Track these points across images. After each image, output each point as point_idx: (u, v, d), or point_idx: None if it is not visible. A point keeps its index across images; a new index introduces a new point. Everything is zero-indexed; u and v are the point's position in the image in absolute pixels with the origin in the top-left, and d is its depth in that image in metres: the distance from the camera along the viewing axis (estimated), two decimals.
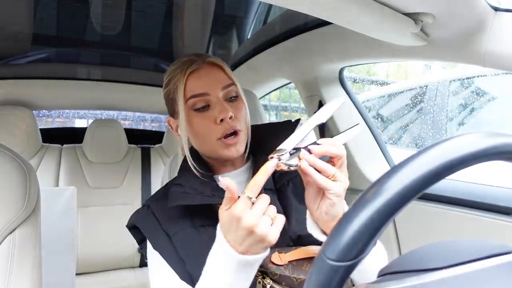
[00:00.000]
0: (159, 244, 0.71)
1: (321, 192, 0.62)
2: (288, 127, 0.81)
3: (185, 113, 0.73)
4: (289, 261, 0.66)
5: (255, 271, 0.60)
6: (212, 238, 0.64)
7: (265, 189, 0.73)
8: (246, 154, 0.80)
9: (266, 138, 0.80)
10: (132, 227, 0.77)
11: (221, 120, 0.71)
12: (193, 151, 0.80)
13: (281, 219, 0.57)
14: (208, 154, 0.77)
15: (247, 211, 0.55)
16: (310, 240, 0.70)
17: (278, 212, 0.72)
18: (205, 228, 0.71)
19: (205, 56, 0.76)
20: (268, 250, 0.59)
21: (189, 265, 0.68)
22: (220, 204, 0.73)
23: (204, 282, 0.60)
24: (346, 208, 0.66)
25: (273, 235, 0.55)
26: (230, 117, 0.71)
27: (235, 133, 0.72)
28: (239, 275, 0.57)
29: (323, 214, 0.62)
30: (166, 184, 0.83)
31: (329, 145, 0.60)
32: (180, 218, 0.72)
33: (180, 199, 0.70)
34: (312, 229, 0.67)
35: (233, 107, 0.73)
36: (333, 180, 0.59)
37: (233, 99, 0.75)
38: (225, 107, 0.71)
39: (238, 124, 0.73)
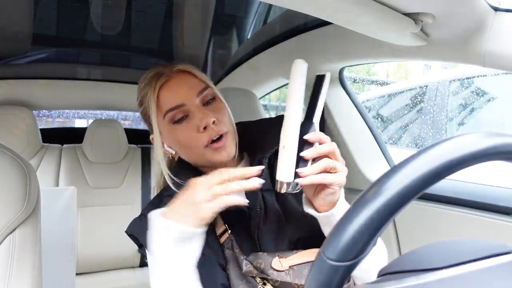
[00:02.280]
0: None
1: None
2: (281, 122, 0.80)
3: (166, 128, 0.72)
4: (290, 266, 0.65)
5: (193, 246, 0.60)
6: (209, 246, 0.65)
7: (264, 190, 0.72)
8: (237, 155, 0.77)
9: (259, 136, 0.79)
10: (131, 234, 0.76)
11: (204, 128, 0.69)
12: (182, 161, 0.78)
13: (224, 200, 0.57)
14: (199, 163, 0.75)
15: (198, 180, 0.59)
16: (310, 243, 0.69)
17: (277, 213, 0.72)
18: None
19: (172, 66, 0.73)
20: (204, 229, 0.60)
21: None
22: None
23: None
24: (342, 194, 0.66)
25: (205, 207, 0.57)
26: (213, 122, 0.69)
27: (221, 136, 0.70)
28: (177, 248, 0.59)
29: (321, 200, 0.62)
30: (161, 191, 0.80)
31: (318, 148, 0.59)
32: None
33: None
34: (309, 209, 0.65)
35: (214, 110, 0.71)
36: (334, 172, 0.59)
37: (211, 101, 0.73)
38: (205, 113, 0.69)
39: (222, 127, 0.71)
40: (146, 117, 0.76)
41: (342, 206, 0.63)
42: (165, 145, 0.76)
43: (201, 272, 0.61)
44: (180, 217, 0.59)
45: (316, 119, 0.61)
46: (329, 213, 0.62)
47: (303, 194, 0.67)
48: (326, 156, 0.60)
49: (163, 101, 0.71)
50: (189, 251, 0.60)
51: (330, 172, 0.59)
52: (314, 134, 0.59)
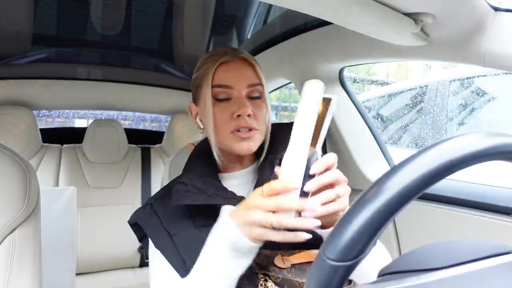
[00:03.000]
0: (160, 243, 0.71)
1: None
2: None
3: (207, 101, 0.74)
4: (292, 265, 0.65)
5: (248, 260, 0.60)
6: None
7: None
8: (255, 155, 0.80)
9: (273, 139, 0.80)
10: (134, 224, 0.77)
11: (238, 116, 0.71)
12: (202, 149, 0.81)
13: (282, 235, 0.56)
14: (220, 146, 0.77)
15: (258, 196, 0.57)
16: (314, 244, 0.69)
17: None
18: (206, 228, 0.70)
19: (239, 51, 0.77)
20: (258, 246, 0.59)
21: (190, 265, 0.68)
22: (222, 204, 0.73)
23: (200, 262, 0.63)
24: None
25: (257, 232, 0.56)
26: (248, 115, 0.71)
27: (250, 130, 0.72)
28: (231, 259, 0.59)
29: (326, 221, 0.61)
30: (169, 183, 0.83)
31: (321, 179, 0.57)
32: (182, 218, 0.72)
33: (183, 198, 0.70)
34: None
35: (254, 106, 0.74)
36: (337, 199, 0.58)
37: (256, 98, 0.75)
38: (244, 104, 0.72)
39: (255, 124, 0.73)
40: (194, 85, 0.79)
41: None
42: (198, 117, 0.80)
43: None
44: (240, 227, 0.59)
45: (319, 146, 0.57)
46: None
47: None
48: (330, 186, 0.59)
49: (217, 76, 0.74)
50: (239, 265, 0.60)
51: (334, 201, 0.58)
52: (319, 166, 0.58)
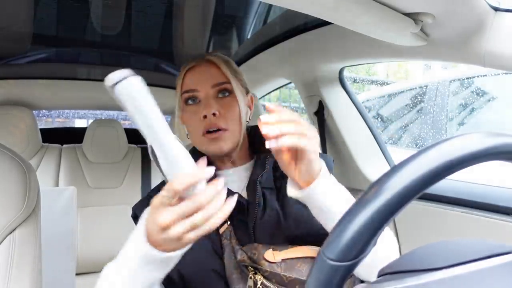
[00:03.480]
0: None
1: (294, 154, 0.60)
2: None
3: (182, 107, 0.78)
4: (282, 259, 0.66)
5: (169, 266, 0.55)
6: (206, 236, 0.65)
7: (265, 188, 0.75)
8: (248, 152, 0.81)
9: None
10: (136, 217, 0.78)
11: (205, 117, 0.72)
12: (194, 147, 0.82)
13: (203, 228, 0.50)
14: (198, 148, 0.78)
15: (162, 209, 0.50)
16: (306, 240, 0.70)
17: (275, 211, 0.73)
18: None
19: (207, 54, 0.79)
20: (185, 249, 0.54)
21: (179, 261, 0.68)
22: None
23: (117, 260, 0.60)
24: (324, 165, 0.63)
25: (188, 239, 0.50)
26: (214, 114, 0.72)
27: (218, 130, 0.73)
28: (147, 267, 0.54)
29: (304, 174, 0.60)
30: None
31: (280, 114, 0.56)
32: None
33: None
34: (291, 192, 0.64)
35: (222, 105, 0.74)
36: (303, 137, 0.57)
37: (224, 96, 0.76)
38: (209, 104, 0.73)
39: (222, 122, 0.73)
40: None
41: (324, 180, 0.61)
42: (182, 123, 0.82)
43: (187, 255, 0.58)
44: (164, 245, 0.52)
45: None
46: (309, 189, 0.60)
47: (288, 179, 0.65)
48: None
49: (184, 83, 0.77)
50: (155, 276, 0.56)
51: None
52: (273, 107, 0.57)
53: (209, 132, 0.73)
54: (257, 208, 0.73)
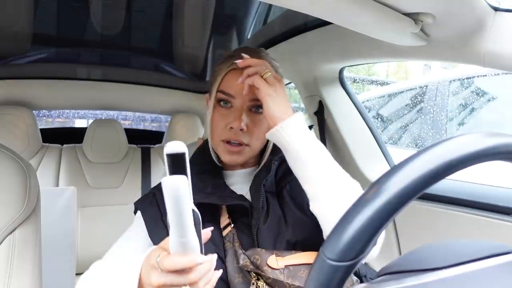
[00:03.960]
0: (155, 235, 0.72)
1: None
2: None
3: (213, 102, 0.75)
4: (285, 266, 0.65)
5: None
6: (209, 238, 0.64)
7: (268, 192, 0.75)
8: (258, 156, 0.81)
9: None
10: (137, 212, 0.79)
11: (231, 128, 0.72)
12: (207, 145, 0.82)
13: None
14: (213, 147, 0.78)
15: (156, 271, 0.50)
16: (307, 245, 0.70)
17: (278, 215, 0.72)
18: (203, 225, 0.71)
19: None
20: None
21: None
22: (219, 204, 0.73)
23: (113, 273, 0.59)
24: (299, 117, 0.68)
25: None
26: (241, 129, 0.71)
27: (239, 144, 0.72)
28: None
29: (268, 116, 0.67)
30: None
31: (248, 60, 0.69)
32: None
33: None
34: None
35: (252, 120, 0.73)
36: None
37: (258, 111, 0.74)
38: (240, 117, 0.71)
39: (246, 139, 0.72)
40: (212, 77, 0.80)
41: (290, 123, 0.66)
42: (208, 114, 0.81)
43: None
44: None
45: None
46: (274, 128, 0.66)
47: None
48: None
49: (224, 81, 0.74)
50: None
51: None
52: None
53: (229, 142, 0.72)
54: (261, 212, 0.72)
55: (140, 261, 0.55)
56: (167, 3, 1.37)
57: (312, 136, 0.66)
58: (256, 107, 0.74)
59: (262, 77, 0.67)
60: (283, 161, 0.75)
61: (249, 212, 0.73)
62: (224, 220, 0.74)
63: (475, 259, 0.34)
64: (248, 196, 0.77)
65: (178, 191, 0.45)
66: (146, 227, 0.74)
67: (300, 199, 0.73)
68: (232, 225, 0.73)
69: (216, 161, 0.79)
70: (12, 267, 0.73)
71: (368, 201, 0.31)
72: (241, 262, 0.67)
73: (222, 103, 0.74)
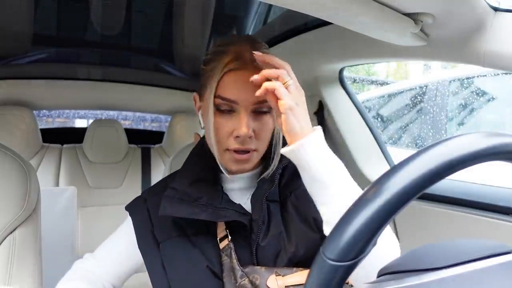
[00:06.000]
0: (144, 247, 0.72)
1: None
2: None
3: (210, 107, 0.66)
4: (286, 286, 0.62)
5: None
6: (203, 252, 0.63)
7: (270, 201, 0.70)
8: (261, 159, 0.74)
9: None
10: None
11: (238, 136, 0.64)
12: (203, 146, 0.75)
13: None
14: (216, 157, 0.70)
15: None
16: (309, 261, 0.66)
17: (280, 230, 0.67)
18: (196, 237, 0.68)
19: (255, 54, 0.63)
20: None
21: (171, 278, 0.66)
22: (212, 221, 0.68)
23: None
24: (319, 133, 0.60)
25: None
26: (250, 137, 0.65)
27: (247, 151, 0.66)
28: None
29: (286, 132, 0.59)
30: (166, 178, 0.81)
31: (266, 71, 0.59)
32: (173, 223, 0.69)
33: (171, 208, 0.67)
34: (283, 149, 0.62)
35: (258, 123, 0.66)
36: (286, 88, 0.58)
37: (262, 113, 0.67)
38: (246, 123, 0.63)
39: (254, 144, 0.66)
40: (203, 77, 0.70)
41: (310, 141, 0.58)
42: (200, 112, 0.72)
43: (183, 273, 0.60)
44: None
45: None
46: (293, 145, 0.58)
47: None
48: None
49: (221, 85, 0.64)
50: None
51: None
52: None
53: (236, 151, 0.66)
54: (261, 227, 0.68)
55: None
56: (167, 3, 1.37)
57: (333, 155, 0.60)
58: (260, 111, 0.66)
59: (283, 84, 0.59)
60: (285, 166, 0.71)
61: (247, 228, 0.68)
62: (221, 231, 0.69)
63: (475, 259, 0.34)
64: (247, 205, 0.71)
65: None
66: (136, 235, 0.73)
67: (305, 211, 0.67)
68: (230, 237, 0.67)
69: (223, 170, 0.70)
70: (12, 266, 0.73)
71: (368, 201, 0.31)
72: (239, 280, 0.63)
73: (223, 108, 0.65)
